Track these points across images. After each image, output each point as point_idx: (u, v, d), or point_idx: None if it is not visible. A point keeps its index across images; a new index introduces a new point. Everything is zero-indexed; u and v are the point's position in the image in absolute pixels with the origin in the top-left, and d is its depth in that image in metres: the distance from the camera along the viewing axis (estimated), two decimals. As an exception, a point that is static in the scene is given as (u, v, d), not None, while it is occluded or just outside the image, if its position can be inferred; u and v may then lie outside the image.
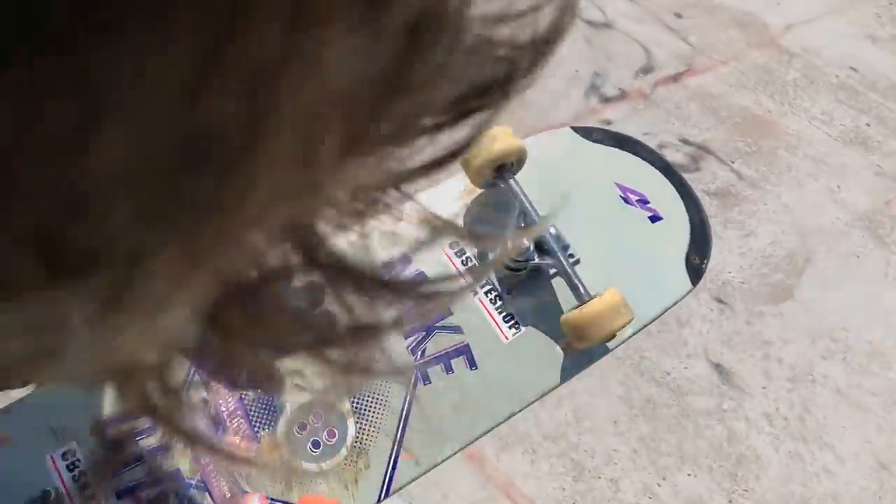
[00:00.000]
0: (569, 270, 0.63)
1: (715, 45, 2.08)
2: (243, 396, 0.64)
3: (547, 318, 0.66)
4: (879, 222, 1.60)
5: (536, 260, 0.65)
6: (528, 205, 0.66)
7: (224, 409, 0.64)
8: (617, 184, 0.74)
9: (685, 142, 1.68)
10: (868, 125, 1.92)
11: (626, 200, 0.73)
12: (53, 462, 0.60)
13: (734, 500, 1.06)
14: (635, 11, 2.13)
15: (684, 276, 0.70)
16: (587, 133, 0.78)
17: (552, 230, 0.65)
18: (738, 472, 1.09)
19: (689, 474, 1.08)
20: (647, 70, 1.88)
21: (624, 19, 2.07)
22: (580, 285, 0.63)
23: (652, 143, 1.83)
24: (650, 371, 1.21)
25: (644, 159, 0.76)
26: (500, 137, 0.64)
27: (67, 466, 0.60)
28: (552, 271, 0.67)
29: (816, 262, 1.45)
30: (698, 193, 1.75)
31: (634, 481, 1.06)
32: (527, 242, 0.65)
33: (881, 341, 1.32)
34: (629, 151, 0.77)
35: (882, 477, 1.12)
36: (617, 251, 0.65)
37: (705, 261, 0.72)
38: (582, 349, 0.65)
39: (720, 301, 1.34)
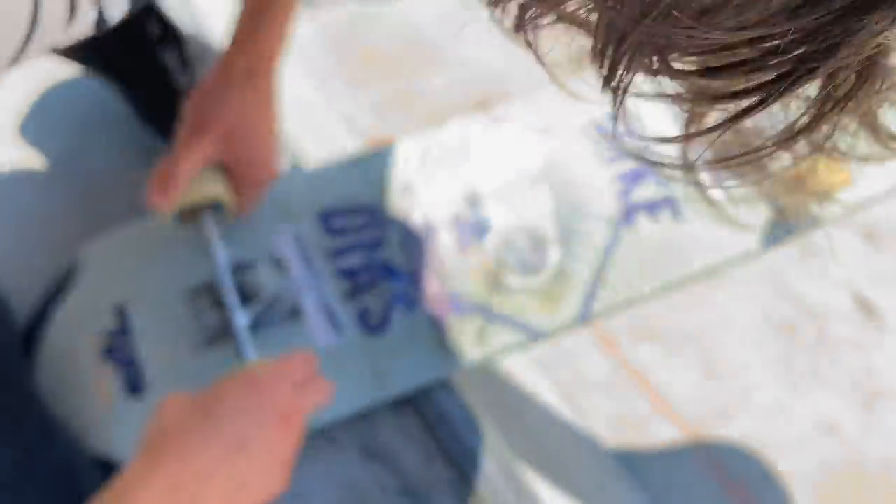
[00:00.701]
0: None
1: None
2: (457, 210, 0.65)
3: (759, 184, 0.64)
4: None
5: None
6: None
7: (438, 220, 0.65)
8: None
9: None
10: None
11: None
12: (284, 237, 0.64)
13: (868, 427, 1.03)
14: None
15: None
16: None
17: None
18: (874, 404, 1.06)
19: (822, 396, 1.05)
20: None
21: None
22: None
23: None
24: (791, 294, 1.17)
25: None
26: None
27: (296, 243, 0.64)
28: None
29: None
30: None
31: (766, 393, 1.04)
32: None
33: None
34: None
35: None
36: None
37: None
38: (788, 221, 0.64)
39: (869, 237, 1.28)
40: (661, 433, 0.98)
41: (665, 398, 1.04)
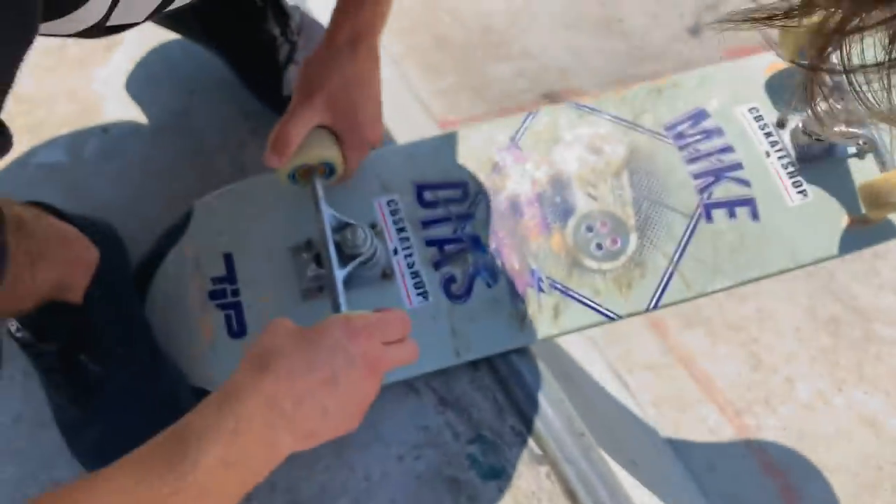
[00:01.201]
0: (875, 136, 0.64)
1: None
2: (542, 192, 0.70)
3: (838, 193, 0.67)
4: None
5: (844, 128, 0.66)
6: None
7: (524, 199, 0.70)
8: None
9: None
10: None
11: None
12: (379, 206, 0.69)
13: (908, 426, 1.06)
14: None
15: None
16: None
17: None
18: (915, 404, 1.08)
19: (865, 392, 1.08)
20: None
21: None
22: (887, 154, 0.64)
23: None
24: (838, 292, 1.20)
25: None
26: None
27: (391, 211, 0.69)
28: (850, 150, 0.67)
29: None
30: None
31: (810, 385, 1.07)
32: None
33: None
34: None
35: None
36: None
37: None
38: (866, 227, 0.66)
39: (920, 245, 1.30)
40: (706, 417, 1.02)
41: (710, 384, 1.08)
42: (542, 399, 0.66)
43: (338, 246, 0.63)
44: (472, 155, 0.72)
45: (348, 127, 0.63)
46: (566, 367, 0.87)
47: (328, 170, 0.65)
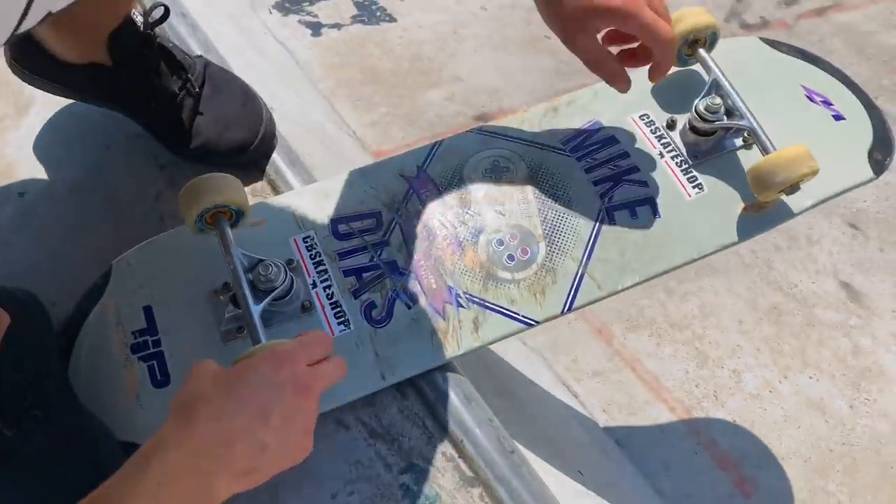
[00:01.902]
0: (756, 126, 0.67)
1: (866, -17, 1.99)
2: (453, 213, 0.72)
3: (731, 183, 0.70)
4: None
5: (726, 120, 0.69)
6: (720, 75, 0.69)
7: (436, 222, 0.72)
8: (803, 86, 0.76)
9: (827, 74, 1.64)
10: None
11: (811, 99, 0.75)
12: (296, 243, 0.71)
13: (855, 406, 1.08)
14: (782, -55, 2.05)
15: (866, 166, 0.72)
16: (775, 45, 0.81)
17: (742, 104, 0.69)
18: (860, 383, 1.11)
19: (811, 377, 1.10)
20: (791, 2, 1.82)
21: (770, -49, 2.01)
22: (767, 139, 0.67)
23: (792, 73, 1.76)
24: (777, 281, 1.22)
25: (828, 72, 0.79)
26: (689, 15, 0.67)
27: (307, 247, 0.70)
28: (737, 143, 0.70)
29: (958, 202, 1.41)
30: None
31: (756, 375, 1.09)
32: (720, 103, 0.68)
33: None
34: (813, 64, 0.79)
35: None
36: (801, 138, 0.68)
37: (888, 159, 0.74)
38: (762, 211, 0.69)
39: (853, 227, 1.33)
40: (656, 417, 1.03)
41: (658, 384, 1.09)
42: (471, 420, 0.67)
43: (252, 283, 0.64)
44: (384, 185, 0.73)
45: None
46: (508, 384, 0.88)
47: (235, 214, 0.66)
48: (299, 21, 1.39)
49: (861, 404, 1.08)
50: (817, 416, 1.06)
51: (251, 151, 0.77)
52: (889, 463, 1.02)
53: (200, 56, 0.79)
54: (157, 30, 0.74)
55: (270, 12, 1.38)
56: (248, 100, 0.78)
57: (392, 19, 1.45)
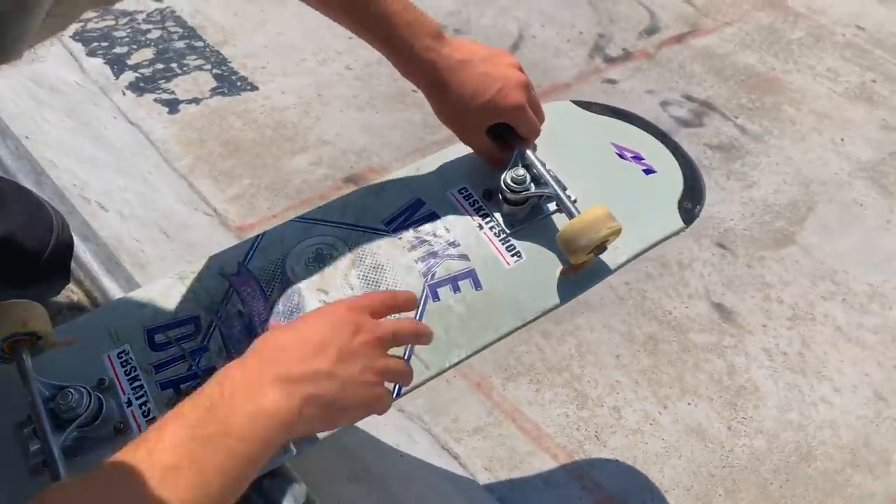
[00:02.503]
0: (561, 194, 0.68)
1: (720, 6, 2.09)
2: (275, 308, 0.70)
3: (548, 248, 0.71)
4: (883, 172, 1.62)
5: (534, 189, 0.70)
6: (528, 151, 0.71)
7: (257, 320, 0.70)
8: (613, 144, 0.79)
9: (689, 98, 1.70)
10: (874, 81, 1.93)
11: (621, 157, 0.78)
12: (110, 359, 0.68)
13: (733, 427, 1.10)
14: (641, -24, 2.15)
15: (676, 216, 0.75)
16: (587, 106, 0.83)
17: (550, 171, 0.70)
18: (737, 402, 1.13)
19: (689, 403, 1.12)
20: (651, 31, 1.90)
21: (629, -16, 2.10)
22: (571, 206, 0.68)
23: (655, 101, 1.85)
24: (652, 310, 1.25)
25: (640, 127, 0.81)
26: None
27: (121, 363, 0.67)
28: (552, 207, 0.71)
29: (818, 210, 1.48)
30: (701, 147, 1.79)
31: (636, 409, 1.10)
32: (524, 173, 0.70)
33: (882, 283, 1.35)
34: (625, 120, 0.82)
35: (878, 407, 1.15)
36: (613, 197, 0.69)
37: (698, 207, 0.77)
38: (578, 274, 0.70)
39: (722, 246, 1.38)
40: (539, 467, 1.03)
41: (540, 432, 1.09)
42: (309, 517, 0.65)
43: (54, 412, 0.60)
44: (204, 287, 0.71)
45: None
46: (370, 464, 0.86)
47: (36, 339, 0.62)
48: (155, 99, 1.36)
49: (738, 424, 1.10)
50: (697, 443, 1.08)
51: (43, 263, 0.74)
52: (767, 480, 1.04)
53: None
54: None
55: (124, 94, 1.35)
56: (34, 210, 0.75)
57: (253, 88, 1.44)
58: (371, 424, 0.94)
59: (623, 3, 2.00)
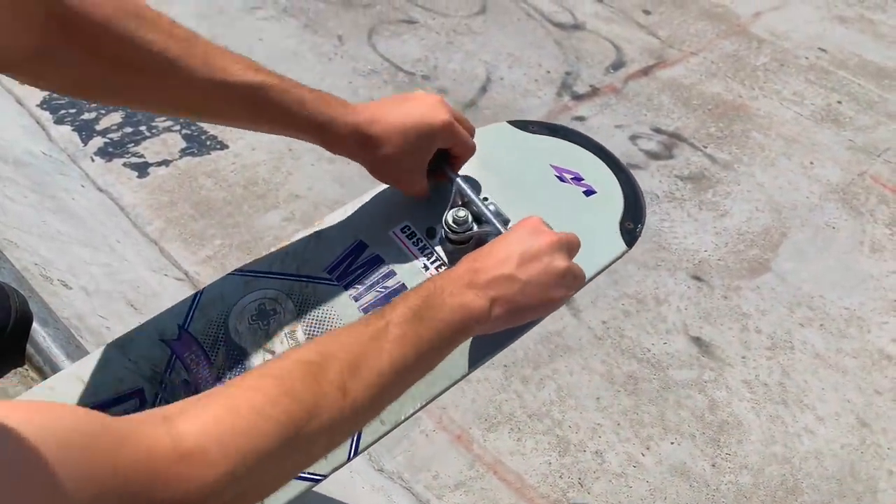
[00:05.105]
0: (502, 230, 0.68)
1: (684, 37, 2.13)
2: (220, 373, 0.69)
3: None
4: (854, 193, 1.64)
5: (476, 229, 0.70)
6: (462, 185, 0.71)
7: (203, 385, 0.69)
8: (552, 166, 0.79)
9: (658, 131, 1.72)
10: (839, 102, 1.96)
11: (561, 179, 0.78)
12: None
13: (718, 463, 1.09)
14: (605, 11, 2.19)
15: (619, 239, 0.74)
16: (524, 126, 0.84)
17: (491, 206, 0.70)
18: (720, 438, 1.12)
19: (672, 443, 1.11)
20: (617, 66, 1.93)
21: (594, 19, 2.13)
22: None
23: (625, 136, 1.87)
24: (630, 349, 1.24)
25: (578, 144, 0.82)
26: None
27: None
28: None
29: (791, 235, 1.49)
30: (672, 179, 1.80)
31: (619, 452, 1.09)
32: (465, 213, 0.70)
33: (859, 306, 1.35)
34: (563, 138, 0.82)
35: (863, 434, 1.15)
36: (554, 224, 0.69)
37: (639, 226, 0.77)
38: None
39: (697, 279, 1.38)
40: (523, 518, 1.01)
41: (522, 482, 1.07)
42: None
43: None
44: (145, 356, 0.70)
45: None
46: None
47: None
48: (124, 164, 1.36)
49: (722, 460, 1.09)
50: (682, 483, 1.07)
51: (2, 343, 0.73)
52: (755, 519, 1.03)
53: None
54: None
55: (93, 160, 1.35)
56: None
57: (223, 146, 1.45)
58: (349, 488, 0.92)
59: (589, 39, 2.03)
